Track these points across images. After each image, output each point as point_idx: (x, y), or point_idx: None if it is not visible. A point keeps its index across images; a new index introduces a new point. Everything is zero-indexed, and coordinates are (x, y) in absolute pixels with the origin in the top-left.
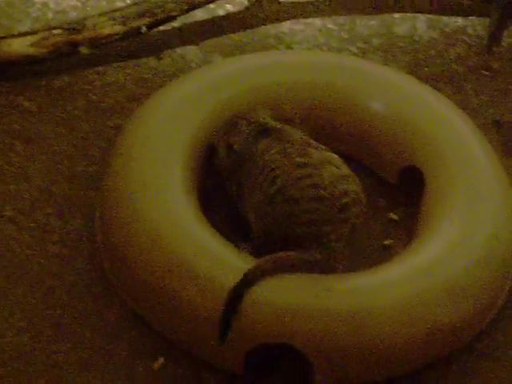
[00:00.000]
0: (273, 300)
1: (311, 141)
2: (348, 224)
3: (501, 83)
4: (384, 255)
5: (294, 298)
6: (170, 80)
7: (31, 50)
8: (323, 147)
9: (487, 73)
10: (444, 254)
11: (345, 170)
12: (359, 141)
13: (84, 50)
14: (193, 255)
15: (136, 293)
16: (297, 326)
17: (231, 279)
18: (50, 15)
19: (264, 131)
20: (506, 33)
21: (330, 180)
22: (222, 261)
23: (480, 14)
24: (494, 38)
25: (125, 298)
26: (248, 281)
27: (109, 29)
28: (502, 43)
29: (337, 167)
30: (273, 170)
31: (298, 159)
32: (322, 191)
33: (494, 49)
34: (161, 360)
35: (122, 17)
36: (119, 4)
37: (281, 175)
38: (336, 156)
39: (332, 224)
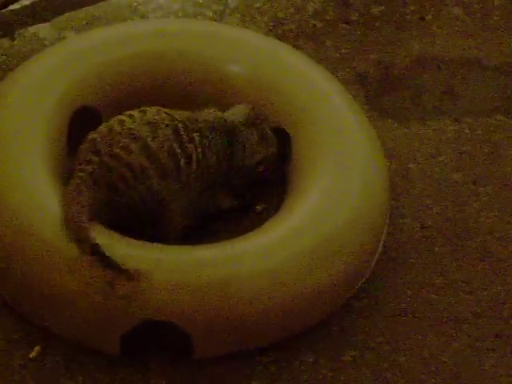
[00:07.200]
0: (144, 277)
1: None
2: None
3: (360, 35)
4: (257, 221)
5: (164, 272)
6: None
7: None
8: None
9: (346, 26)
10: (314, 215)
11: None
12: (223, 108)
13: None
14: (45, 231)
15: None
16: (170, 301)
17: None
18: None
19: None
20: None
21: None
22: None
23: None
24: None
25: None
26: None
27: None
28: None
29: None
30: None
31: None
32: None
33: (351, 0)
34: (38, 348)
35: None
36: None
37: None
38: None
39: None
